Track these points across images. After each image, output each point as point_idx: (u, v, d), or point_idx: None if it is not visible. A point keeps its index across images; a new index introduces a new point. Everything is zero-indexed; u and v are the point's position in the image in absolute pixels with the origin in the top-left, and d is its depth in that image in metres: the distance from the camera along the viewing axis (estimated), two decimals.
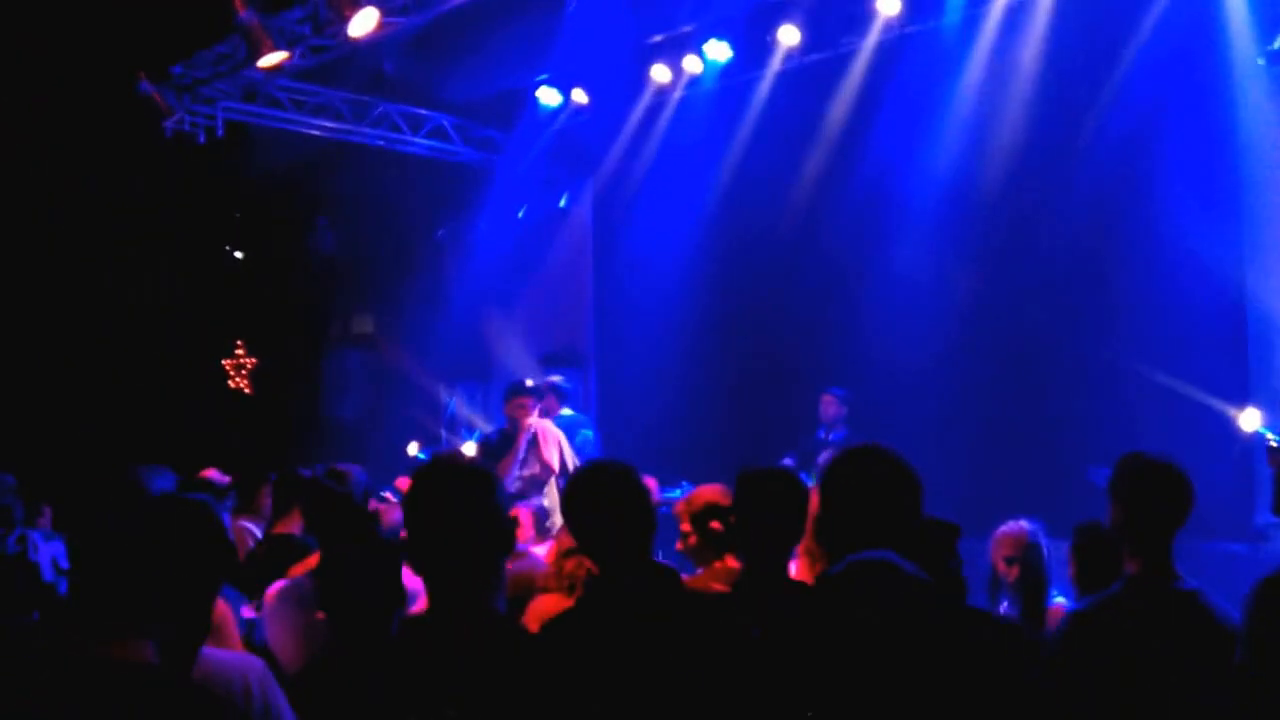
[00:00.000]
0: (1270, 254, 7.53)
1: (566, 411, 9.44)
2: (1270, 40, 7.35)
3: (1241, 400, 7.22)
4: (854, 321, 9.39)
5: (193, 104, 10.27)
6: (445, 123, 11.94)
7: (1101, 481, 3.19)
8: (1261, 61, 7.43)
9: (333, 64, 10.17)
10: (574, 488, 2.81)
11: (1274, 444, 6.14)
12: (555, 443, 8.42)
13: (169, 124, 10.32)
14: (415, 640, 2.29)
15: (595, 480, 2.79)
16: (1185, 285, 7.63)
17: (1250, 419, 7.11)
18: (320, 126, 11.25)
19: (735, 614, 2.71)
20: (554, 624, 2.69)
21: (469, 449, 11.21)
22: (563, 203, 12.21)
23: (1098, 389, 7.99)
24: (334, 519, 4.05)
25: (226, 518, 5.21)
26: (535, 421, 8.49)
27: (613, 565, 2.70)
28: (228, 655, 2.60)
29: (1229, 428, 7.16)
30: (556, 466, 8.27)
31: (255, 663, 2.58)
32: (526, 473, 8.28)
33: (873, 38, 9.20)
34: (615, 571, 2.69)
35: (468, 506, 2.34)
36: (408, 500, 2.41)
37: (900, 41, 9.14)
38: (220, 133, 10.48)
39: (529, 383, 8.84)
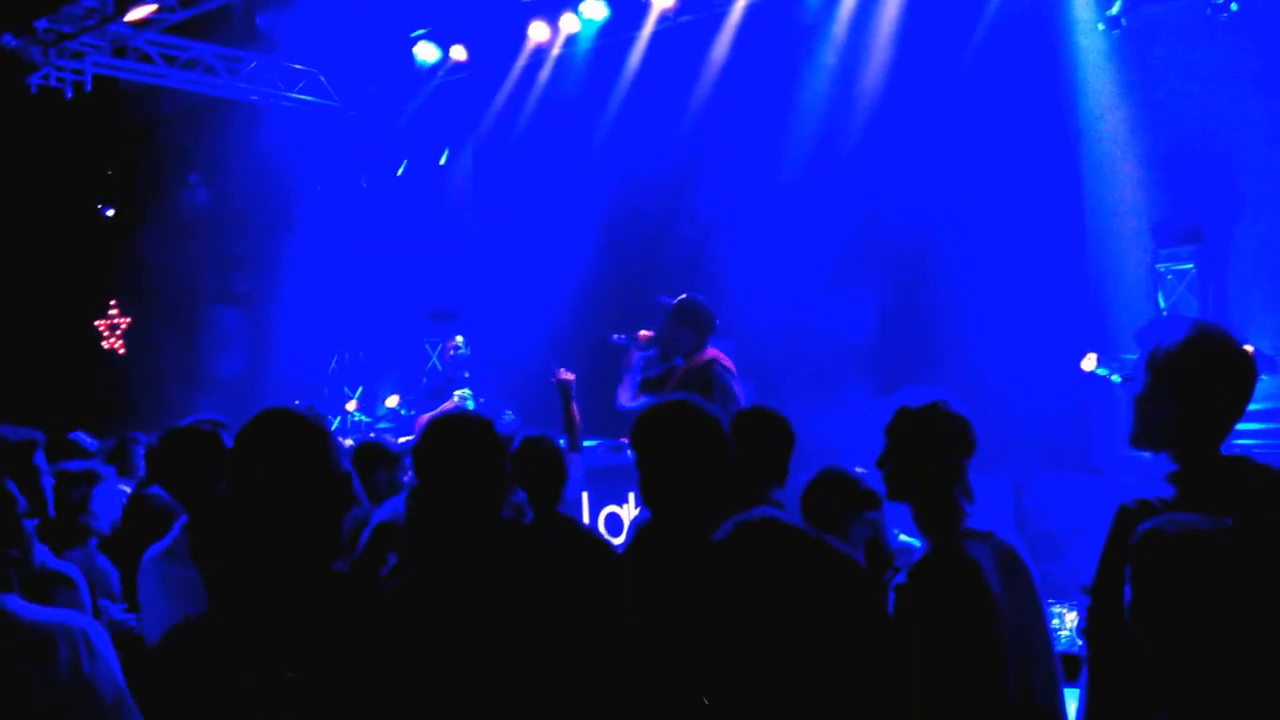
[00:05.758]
0: (1107, 208, 8.12)
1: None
2: (1109, 7, 7.88)
3: (1080, 344, 7.82)
4: (728, 276, 9.73)
5: (59, 59, 10.04)
6: (322, 78, 11.85)
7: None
8: (1101, 26, 7.96)
9: (205, 18, 10.05)
10: (424, 440, 2.68)
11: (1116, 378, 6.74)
12: None
13: (34, 79, 10.09)
14: (256, 601, 2.20)
15: (446, 433, 2.67)
16: (1030, 238, 8.15)
17: (1088, 361, 7.71)
18: (192, 81, 11.08)
19: (580, 574, 2.72)
20: (398, 585, 2.63)
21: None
22: (443, 160, 12.25)
23: (951, 336, 8.49)
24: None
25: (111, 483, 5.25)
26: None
27: (458, 522, 2.60)
28: (49, 615, 2.51)
29: (1071, 370, 7.76)
30: None
31: (81, 624, 2.49)
32: None
33: (742, 1, 9.52)
34: (461, 529, 2.60)
35: (301, 461, 2.21)
36: (235, 454, 2.28)
37: (770, 1, 9.47)
38: (89, 88, 10.26)
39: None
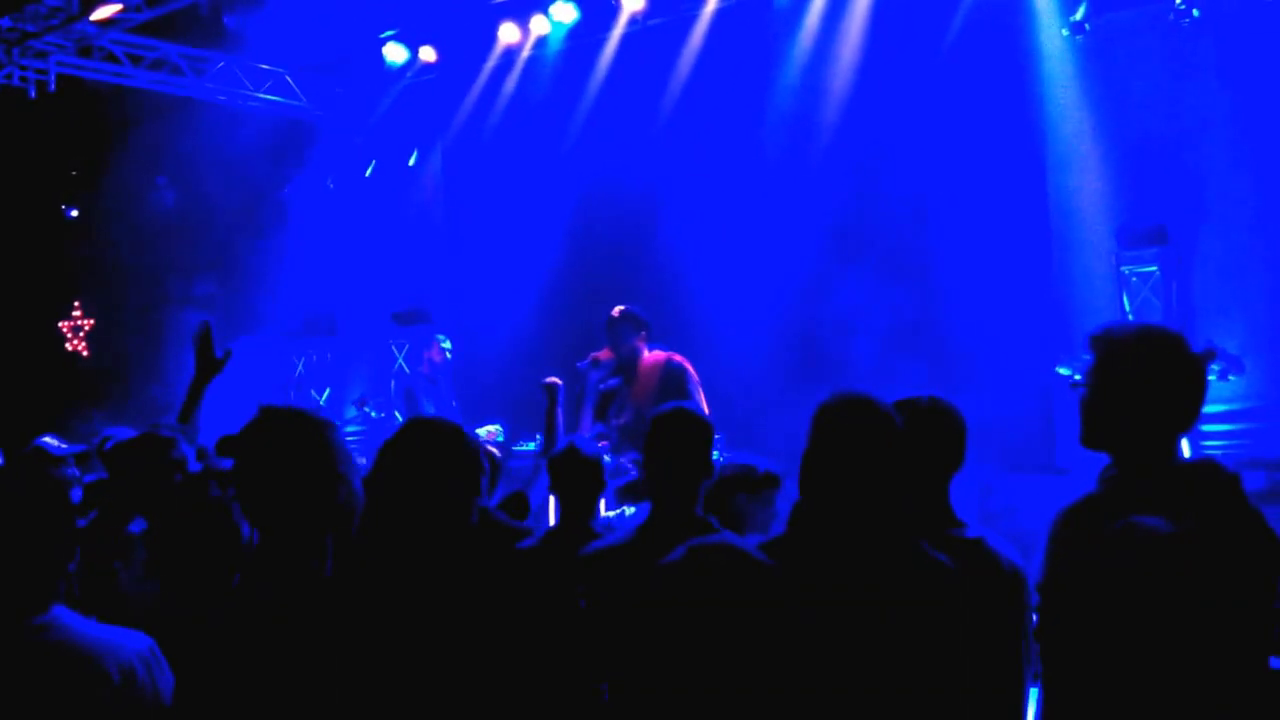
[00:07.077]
0: (1072, 210, 8.22)
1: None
2: (1073, 12, 7.97)
3: (1045, 345, 7.90)
4: (698, 277, 9.76)
5: (23, 58, 9.94)
6: (289, 78, 11.78)
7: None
8: (1066, 32, 8.06)
9: (171, 18, 9.96)
10: (393, 446, 2.57)
11: (1077, 379, 6.80)
12: None
13: None
14: (236, 604, 2.20)
15: (417, 438, 2.58)
16: (996, 240, 8.24)
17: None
18: (158, 81, 10.99)
19: (556, 581, 2.69)
20: (369, 592, 2.52)
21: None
22: (412, 161, 12.20)
23: (917, 337, 8.54)
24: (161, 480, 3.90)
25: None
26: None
27: (430, 528, 2.49)
28: (109, 631, 2.42)
29: (1036, 371, 7.84)
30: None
31: (141, 640, 2.40)
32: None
33: (712, 4, 9.56)
34: (433, 535, 2.49)
35: (301, 464, 2.21)
36: (239, 453, 2.26)
37: (739, 4, 9.51)
38: (53, 87, 10.17)
39: None
